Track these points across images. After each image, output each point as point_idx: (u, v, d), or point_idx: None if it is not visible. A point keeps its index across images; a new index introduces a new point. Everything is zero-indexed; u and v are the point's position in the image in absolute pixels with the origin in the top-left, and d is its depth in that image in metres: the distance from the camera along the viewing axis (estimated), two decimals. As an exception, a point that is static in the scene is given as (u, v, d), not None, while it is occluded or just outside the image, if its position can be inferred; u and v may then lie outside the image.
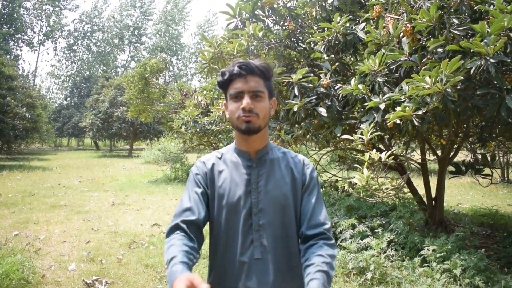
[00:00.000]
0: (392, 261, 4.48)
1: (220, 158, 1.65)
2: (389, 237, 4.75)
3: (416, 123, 3.41)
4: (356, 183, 4.67)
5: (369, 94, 3.96)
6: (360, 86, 3.96)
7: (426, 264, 4.33)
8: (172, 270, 1.29)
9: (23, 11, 41.49)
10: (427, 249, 4.39)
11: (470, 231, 5.45)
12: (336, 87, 4.37)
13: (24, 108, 19.50)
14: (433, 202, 5.75)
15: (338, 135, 4.37)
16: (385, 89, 3.88)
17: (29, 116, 19.57)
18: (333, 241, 1.53)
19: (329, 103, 4.34)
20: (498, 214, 6.91)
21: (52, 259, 4.94)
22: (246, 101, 1.49)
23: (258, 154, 1.60)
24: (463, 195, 10.30)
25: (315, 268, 1.38)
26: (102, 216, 7.43)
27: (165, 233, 5.43)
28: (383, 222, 5.15)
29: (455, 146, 5.68)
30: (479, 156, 5.62)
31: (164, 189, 11.19)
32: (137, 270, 4.65)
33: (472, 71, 3.18)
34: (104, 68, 48.75)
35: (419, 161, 6.06)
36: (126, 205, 8.67)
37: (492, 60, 3.04)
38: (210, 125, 10.72)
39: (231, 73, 1.52)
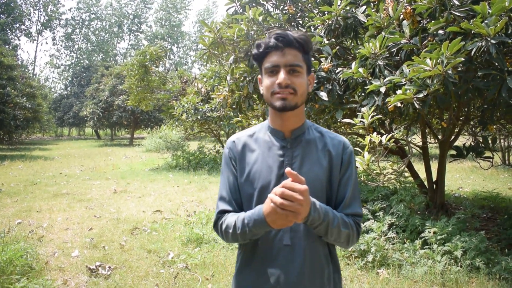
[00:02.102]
0: (393, 244, 4.51)
1: (252, 137, 1.55)
2: (390, 220, 4.77)
3: (417, 106, 3.40)
4: (357, 167, 4.68)
5: (370, 78, 3.95)
6: (360, 69, 3.95)
7: (427, 246, 4.36)
8: (249, 216, 1.34)
9: (21, 0, 41.23)
10: (428, 232, 4.41)
11: (471, 213, 5.47)
12: (337, 71, 4.36)
13: (25, 98, 19.50)
14: (434, 185, 5.77)
15: (339, 119, 4.37)
16: (386, 72, 3.86)
17: (30, 106, 19.59)
18: (360, 231, 1.47)
19: (330, 87, 4.33)
20: (499, 197, 6.92)
21: (55, 246, 4.98)
22: (282, 75, 1.37)
23: (293, 134, 1.48)
24: (464, 179, 10.32)
25: (334, 213, 1.37)
26: (104, 204, 7.47)
27: (167, 219, 5.42)
28: (384, 205, 5.18)
29: (456, 130, 5.68)
30: (480, 139, 5.61)
31: (165, 176, 11.21)
32: (140, 256, 4.69)
33: (473, 53, 3.16)
34: (104, 56, 48.56)
35: (420, 144, 6.06)
36: (128, 193, 8.70)
37: (493, 41, 3.02)
38: (210, 112, 10.73)
39: (267, 45, 1.40)
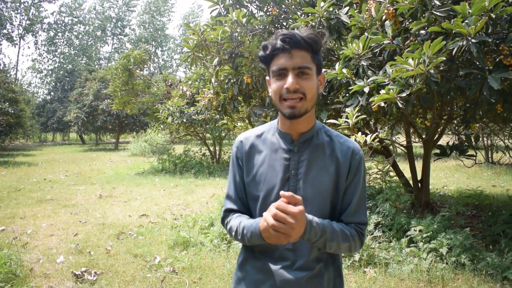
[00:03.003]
0: (379, 243, 4.54)
1: (260, 137, 1.51)
2: (376, 219, 4.81)
3: (400, 106, 3.43)
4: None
5: (354, 78, 3.98)
6: (344, 70, 3.98)
7: (413, 244, 4.39)
8: (248, 227, 1.37)
9: (1, 4, 40.62)
10: (414, 230, 4.45)
11: (456, 211, 5.54)
12: (321, 72, 4.37)
13: (7, 103, 19.19)
14: (419, 184, 5.82)
15: (324, 120, 4.39)
16: (369, 72, 3.90)
17: (12, 111, 19.29)
18: (364, 239, 1.44)
19: (314, 88, 4.34)
20: (483, 194, 7.02)
21: (40, 252, 4.90)
22: (290, 80, 1.31)
23: (302, 138, 1.43)
24: (448, 177, 10.44)
25: (333, 223, 1.37)
26: (89, 209, 7.38)
27: (153, 223, 5.38)
28: (370, 204, 5.21)
29: (440, 129, 5.75)
30: (464, 138, 5.69)
31: (151, 180, 11.14)
32: (126, 260, 4.64)
33: (454, 52, 3.20)
34: (87, 61, 48.10)
35: (404, 144, 6.12)
36: (114, 197, 8.62)
37: (473, 41, 3.06)
38: (196, 115, 10.70)
39: (274, 47, 1.33)
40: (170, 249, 4.99)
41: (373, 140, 3.66)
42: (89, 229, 5.95)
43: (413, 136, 6.52)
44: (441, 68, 3.52)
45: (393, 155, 4.63)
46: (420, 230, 4.41)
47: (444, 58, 3.16)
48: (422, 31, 3.64)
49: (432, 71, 3.22)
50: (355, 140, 3.62)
